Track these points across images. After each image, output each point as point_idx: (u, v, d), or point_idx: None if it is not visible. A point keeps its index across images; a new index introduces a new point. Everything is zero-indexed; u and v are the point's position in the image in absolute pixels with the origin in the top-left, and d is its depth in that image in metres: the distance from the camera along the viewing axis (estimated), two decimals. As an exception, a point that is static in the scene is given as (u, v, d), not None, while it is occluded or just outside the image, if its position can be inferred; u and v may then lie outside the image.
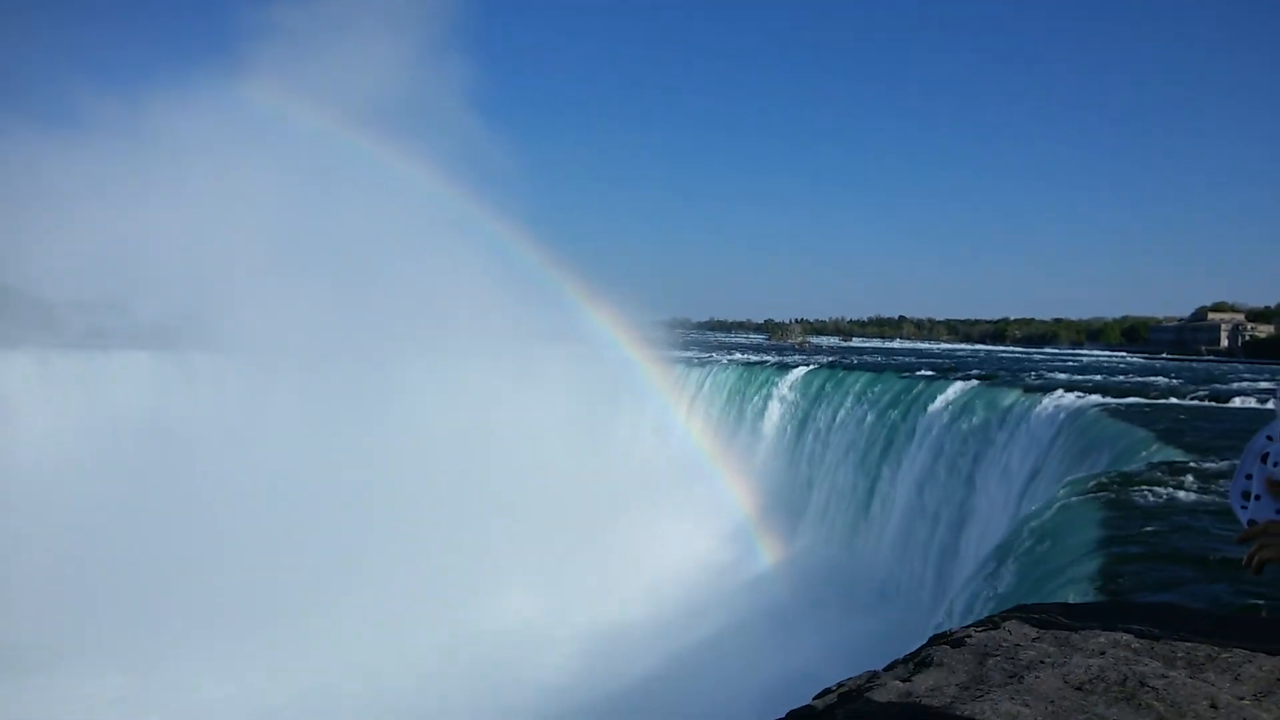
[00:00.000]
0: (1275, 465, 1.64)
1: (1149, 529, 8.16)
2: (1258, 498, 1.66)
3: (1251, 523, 1.67)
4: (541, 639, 20.99)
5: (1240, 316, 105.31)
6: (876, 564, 22.59)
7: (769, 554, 26.04)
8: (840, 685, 1.02)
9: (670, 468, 29.31)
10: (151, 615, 20.11)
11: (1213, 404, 21.68)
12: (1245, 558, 1.69)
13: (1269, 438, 1.75)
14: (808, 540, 25.88)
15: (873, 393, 27.19)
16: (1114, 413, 18.35)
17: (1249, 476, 1.75)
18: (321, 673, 18.65)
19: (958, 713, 0.85)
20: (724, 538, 27.07)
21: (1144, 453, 14.17)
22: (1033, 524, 10.62)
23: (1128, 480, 11.25)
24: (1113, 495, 10.31)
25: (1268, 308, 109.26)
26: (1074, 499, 10.62)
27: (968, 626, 1.23)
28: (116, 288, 33.00)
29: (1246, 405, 21.04)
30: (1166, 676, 0.95)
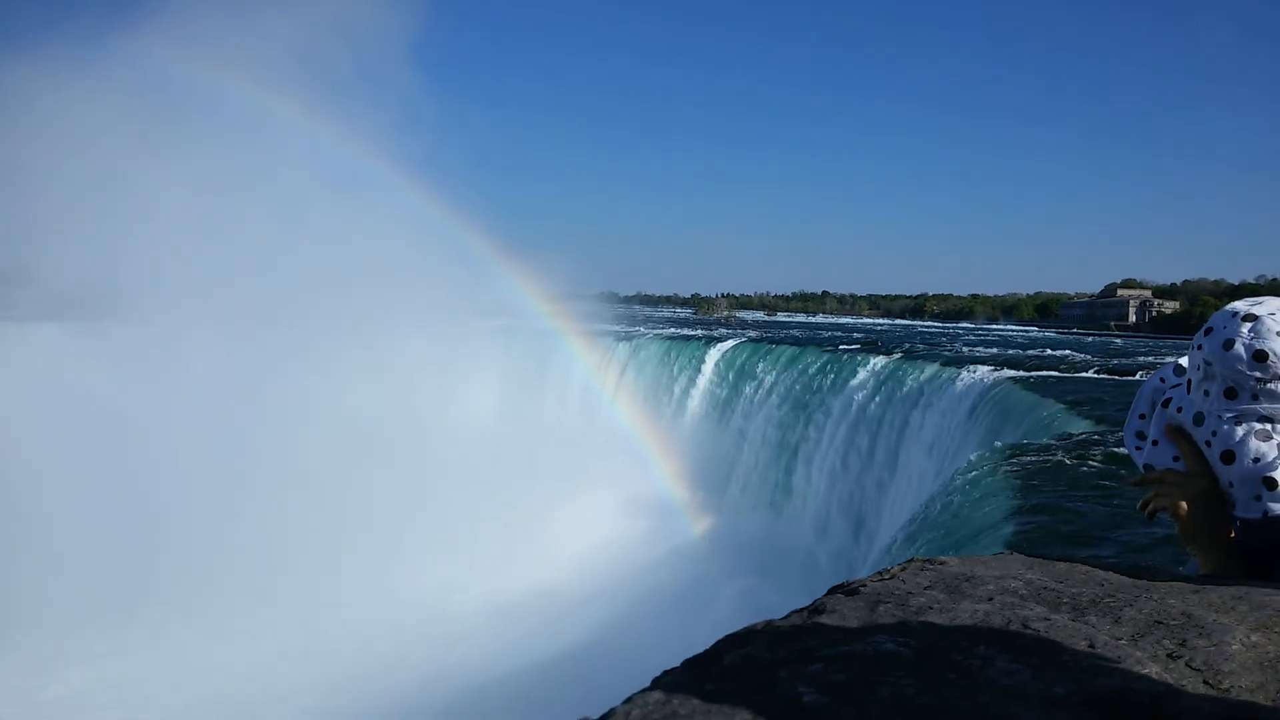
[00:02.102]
0: (1179, 410, 1.67)
1: (1058, 494, 8.43)
2: (1155, 443, 1.70)
3: (1148, 467, 1.71)
4: (466, 610, 20.91)
5: (1148, 293, 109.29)
6: (800, 534, 23.00)
7: (694, 525, 26.30)
8: (734, 633, 1.01)
9: (596, 440, 29.32)
10: (54, 598, 19.49)
11: (1119, 377, 22.49)
12: (1140, 503, 1.74)
13: (1163, 379, 1.79)
14: (732, 511, 26.20)
15: (797, 367, 27.55)
16: (1027, 385, 18.90)
17: (1143, 416, 1.79)
18: (237, 652, 18.31)
19: (839, 651, 0.84)
20: (650, 510, 27.24)
21: (1055, 423, 14.65)
22: (949, 493, 10.91)
23: (1040, 450, 11.61)
24: (1025, 464, 10.63)
25: (1174, 285, 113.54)
26: (988, 468, 10.92)
27: (864, 578, 1.24)
28: (21, 258, 31.67)
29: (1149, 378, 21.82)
30: (1049, 620, 0.96)
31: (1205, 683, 0.88)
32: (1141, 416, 1.79)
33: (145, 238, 29.99)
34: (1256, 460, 1.51)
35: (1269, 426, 1.51)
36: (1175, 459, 1.65)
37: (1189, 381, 1.65)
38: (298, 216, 32.55)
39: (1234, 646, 0.99)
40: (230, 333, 27.65)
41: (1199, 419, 1.60)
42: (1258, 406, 1.50)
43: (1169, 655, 0.95)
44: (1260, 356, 1.48)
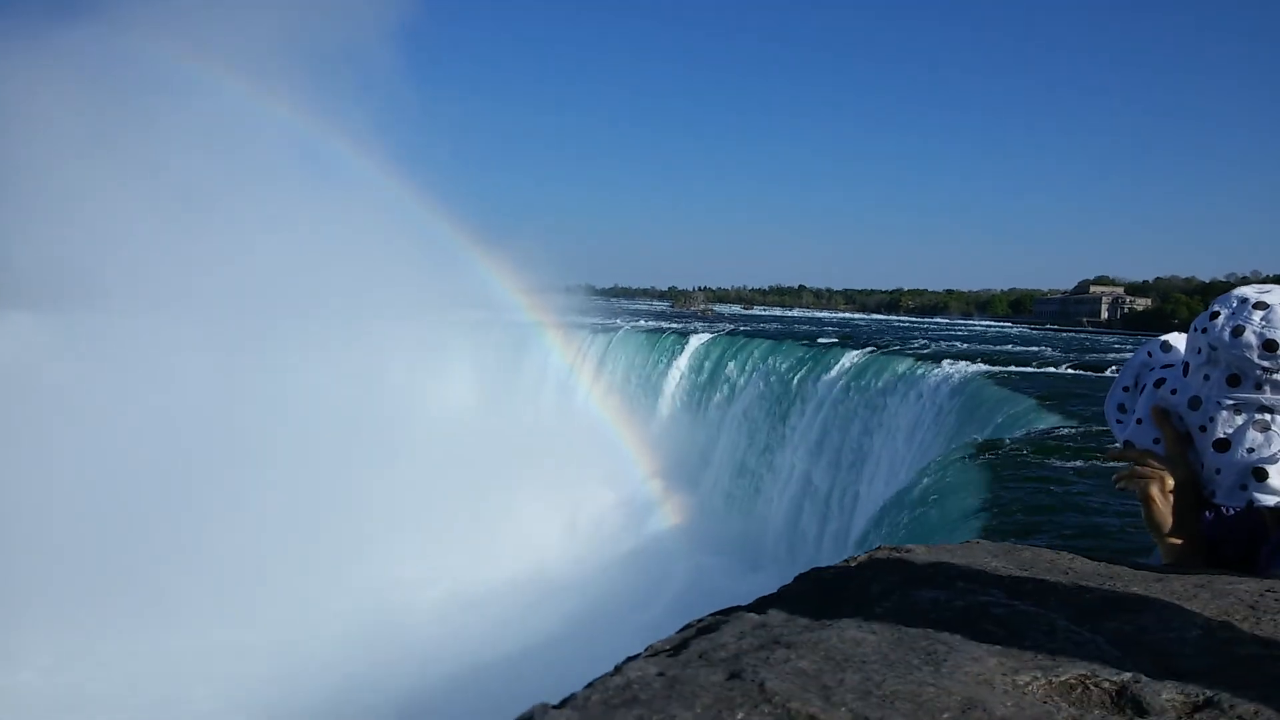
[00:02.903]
0: (1172, 392, 1.65)
1: (1028, 487, 8.51)
2: (1139, 421, 1.69)
3: (1128, 444, 1.70)
4: (437, 602, 20.86)
5: (1120, 290, 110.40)
6: (775, 525, 23.10)
7: (668, 517, 26.36)
8: (700, 620, 1.01)
9: (572, 433, 29.28)
10: (19, 591, 19.20)
11: (1091, 373, 22.74)
12: (1114, 476, 1.74)
13: (1150, 354, 1.79)
14: (707, 503, 26.27)
15: (773, 360, 27.64)
16: (1000, 380, 19.08)
17: (1126, 389, 1.78)
18: (210, 646, 18.13)
19: (805, 638, 0.84)
20: (624, 501, 27.27)
21: (1027, 418, 14.78)
22: (923, 485, 10.99)
23: (1012, 445, 11.72)
24: (997, 458, 10.73)
25: (1145, 282, 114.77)
26: (962, 462, 11.01)
27: (832, 565, 1.24)
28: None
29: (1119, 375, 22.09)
30: (1010, 606, 0.96)
31: (1166, 669, 0.88)
32: (1125, 389, 1.78)
33: (116, 228, 29.57)
34: (1251, 450, 1.51)
35: (1268, 417, 1.49)
36: (1156, 441, 1.64)
37: (1185, 364, 1.62)
38: (273, 208, 32.18)
39: (1194, 633, 1.00)
40: (204, 324, 27.31)
41: (1195, 403, 1.58)
42: (1260, 396, 1.49)
43: (1131, 641, 0.96)
44: (1271, 346, 1.47)
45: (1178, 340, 1.75)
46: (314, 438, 24.62)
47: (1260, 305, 1.50)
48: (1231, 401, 1.52)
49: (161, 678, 17.00)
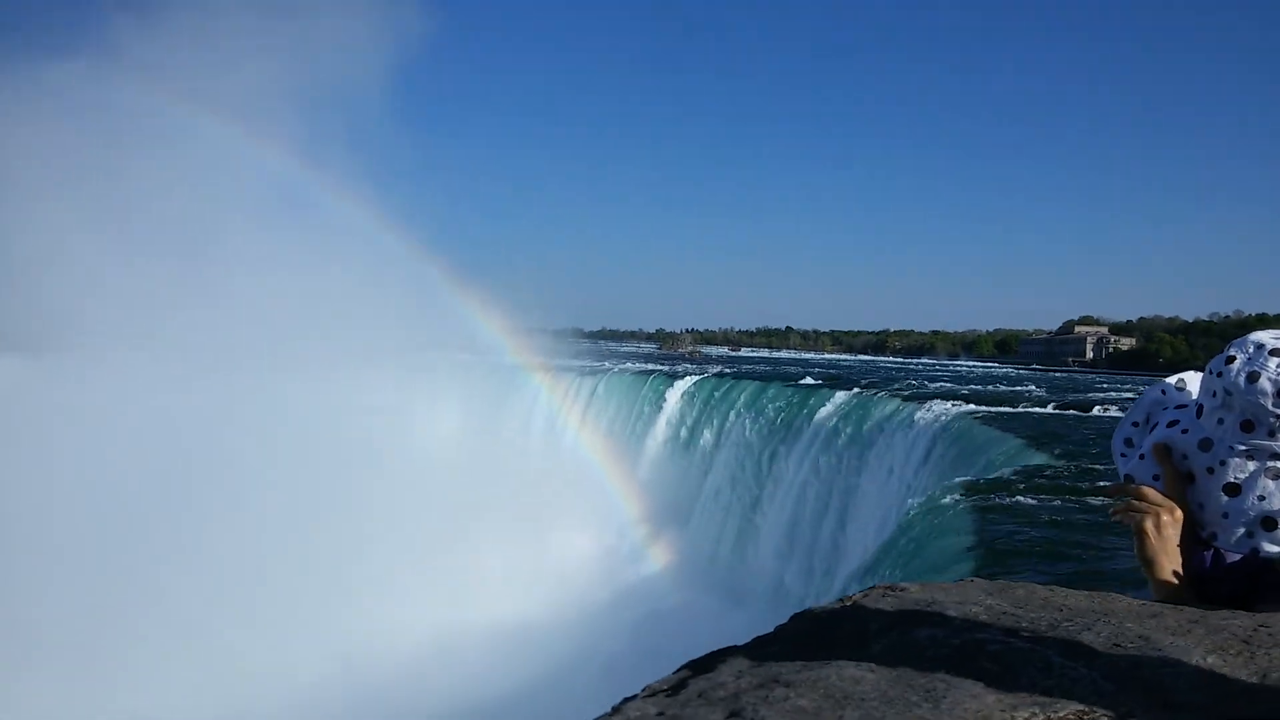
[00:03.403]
0: (1184, 431, 1.65)
1: (1016, 525, 8.51)
2: (1141, 456, 1.70)
3: (1128, 477, 1.71)
4: (430, 645, 20.60)
5: (1104, 330, 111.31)
6: (764, 566, 22.96)
7: (658, 559, 26.20)
8: (697, 660, 1.01)
9: (559, 475, 29.17)
10: None
11: (1077, 413, 22.86)
12: (1111, 509, 1.75)
13: (1163, 392, 1.80)
14: (696, 545, 26.12)
15: (760, 402, 27.67)
16: (987, 420, 19.13)
17: (1136, 425, 1.79)
18: (192, 687, 17.86)
19: (804, 676, 0.85)
20: (614, 544, 27.11)
21: (1015, 458, 14.81)
22: (912, 525, 10.97)
23: (1000, 484, 11.73)
24: (986, 498, 10.73)
25: (1129, 321, 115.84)
26: (951, 501, 11.01)
27: (827, 604, 1.24)
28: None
29: (1107, 414, 22.28)
30: (1005, 643, 0.97)
31: (1162, 703, 0.89)
32: (1135, 425, 1.79)
33: (101, 269, 29.51)
34: (1262, 498, 1.50)
35: (1279, 466, 1.50)
36: (1155, 478, 1.65)
37: (1200, 406, 1.62)
38: (258, 249, 32.23)
39: (1189, 668, 1.00)
40: (184, 367, 27.17)
41: (1206, 444, 1.58)
42: (1273, 444, 1.48)
43: (1126, 677, 0.96)
44: None
45: (1193, 380, 1.76)
46: (295, 480, 24.45)
47: (1276, 352, 1.49)
48: (1244, 447, 1.51)
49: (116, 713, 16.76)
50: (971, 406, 21.37)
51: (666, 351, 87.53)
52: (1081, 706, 0.87)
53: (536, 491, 27.61)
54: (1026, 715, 0.85)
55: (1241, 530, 1.53)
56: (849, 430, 22.46)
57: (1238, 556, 1.75)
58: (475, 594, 22.87)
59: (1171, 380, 1.79)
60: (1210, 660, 1.04)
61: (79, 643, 18.82)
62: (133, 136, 34.00)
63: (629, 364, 42.05)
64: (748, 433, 26.80)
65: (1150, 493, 1.66)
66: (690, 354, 76.19)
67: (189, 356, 27.43)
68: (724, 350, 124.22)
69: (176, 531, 22.09)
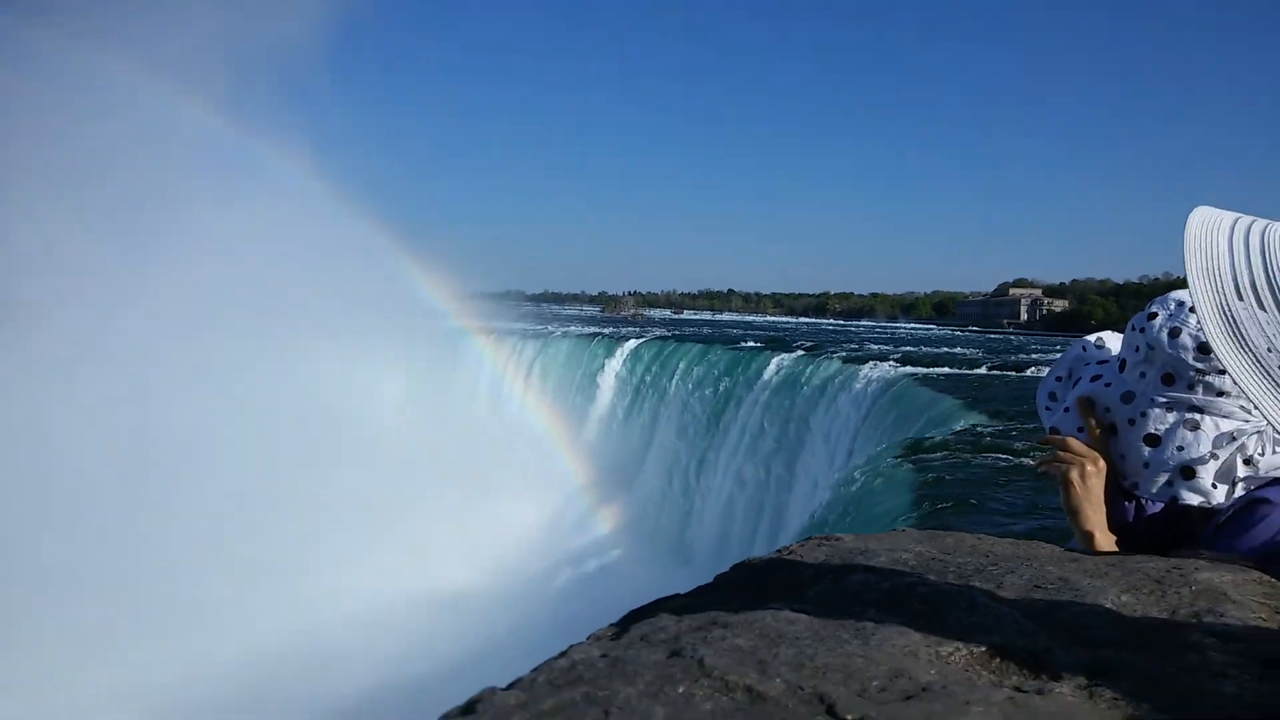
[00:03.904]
0: (1107, 385, 1.69)
1: (953, 482, 8.74)
2: (1066, 410, 1.76)
3: (1053, 430, 1.77)
4: (377, 613, 20.54)
5: (1038, 292, 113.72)
6: (710, 527, 23.25)
7: (605, 523, 26.37)
8: (640, 608, 1.05)
9: (506, 440, 29.13)
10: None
11: (1011, 373, 23.41)
12: (1037, 462, 1.82)
13: (1084, 349, 1.87)
14: (642, 508, 26.33)
15: (703, 364, 27.85)
16: (925, 381, 19.52)
17: (1059, 379, 1.86)
18: (143, 661, 17.62)
19: (741, 619, 0.88)
20: (560, 508, 27.21)
21: (951, 418, 15.15)
22: (853, 484, 11.19)
23: (937, 443, 11.99)
24: (924, 457, 10.97)
25: (1063, 284, 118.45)
26: (890, 460, 11.24)
27: (764, 555, 1.29)
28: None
29: (1039, 374, 22.82)
30: (933, 585, 1.02)
31: (1077, 639, 0.94)
32: (1059, 380, 1.85)
33: (28, 239, 28.44)
34: (1181, 448, 1.56)
35: (1198, 417, 1.54)
36: (1080, 430, 1.71)
37: (1123, 361, 1.67)
38: (192, 212, 31.34)
39: (1104, 607, 1.06)
40: (117, 336, 26.41)
41: (1128, 397, 1.64)
42: (1192, 397, 1.54)
43: (1045, 615, 1.02)
44: (1205, 349, 1.52)
45: (1111, 339, 1.83)
46: (234, 448, 24.07)
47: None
48: (1165, 400, 1.57)
49: (70, 695, 16.48)
50: (910, 368, 21.77)
51: (610, 314, 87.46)
52: (1002, 642, 0.92)
53: (481, 457, 27.55)
54: (950, 650, 0.90)
55: (1162, 479, 1.60)
56: (791, 392, 22.74)
57: (1158, 507, 1.83)
58: (421, 561, 22.83)
59: (1091, 338, 1.86)
60: (1124, 599, 1.10)
61: (20, 621, 18.43)
62: (59, 95, 32.74)
63: (572, 327, 41.95)
64: (691, 395, 26.99)
65: (1074, 444, 1.72)
66: (633, 317, 76.24)
67: (118, 324, 26.66)
68: (667, 313, 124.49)
69: (106, 502, 21.63)
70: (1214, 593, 1.14)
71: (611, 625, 1.05)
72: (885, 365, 21.72)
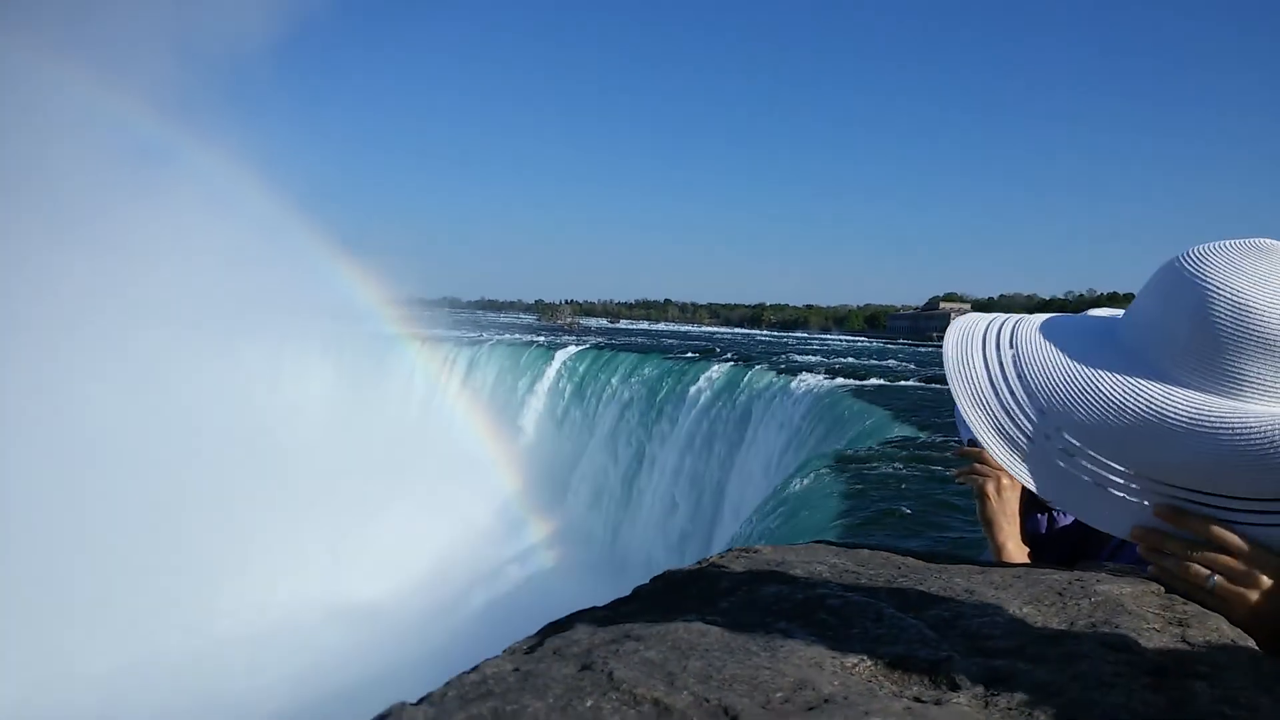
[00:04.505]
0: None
1: (881, 494, 8.88)
2: None
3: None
4: (300, 622, 20.16)
5: (967, 306, 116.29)
6: (642, 535, 23.30)
7: (536, 531, 26.24)
8: (557, 621, 1.06)
9: (438, 447, 28.82)
10: None
11: (938, 385, 23.86)
12: (956, 472, 1.86)
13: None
14: (575, 516, 26.28)
15: (639, 374, 27.91)
16: (856, 393, 19.81)
17: None
18: (71, 663, 17.06)
19: (653, 631, 0.90)
20: (492, 516, 27.00)
21: (882, 429, 15.40)
22: (783, 494, 11.31)
23: (866, 456, 12.18)
24: (854, 469, 11.14)
25: (991, 299, 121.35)
26: (820, 472, 11.38)
27: (683, 568, 1.30)
28: None
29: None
30: (844, 597, 1.04)
31: (977, 649, 0.97)
32: None
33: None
34: None
35: None
36: None
37: None
38: (119, 207, 30.47)
39: (1004, 617, 1.09)
40: (40, 337, 25.51)
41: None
42: None
43: (948, 626, 1.05)
44: None
45: None
46: (160, 452, 23.43)
47: None
48: None
49: (27, 699, 15.89)
50: (842, 379, 22.08)
51: (546, 323, 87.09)
52: (904, 652, 0.94)
53: (410, 464, 27.22)
54: (855, 660, 0.92)
55: None
56: (725, 402, 22.91)
57: (1069, 519, 1.90)
58: (342, 570, 22.48)
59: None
60: (1025, 610, 1.14)
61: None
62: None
63: (508, 335, 41.70)
64: (626, 404, 27.03)
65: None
66: (569, 325, 75.98)
67: (40, 323, 25.79)
68: (603, 322, 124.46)
69: (46, 509, 20.88)
70: (1112, 604, 1.18)
71: (528, 638, 1.05)
72: (818, 377, 22.01)
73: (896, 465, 10.88)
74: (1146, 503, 1.20)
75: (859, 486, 9.84)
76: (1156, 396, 1.12)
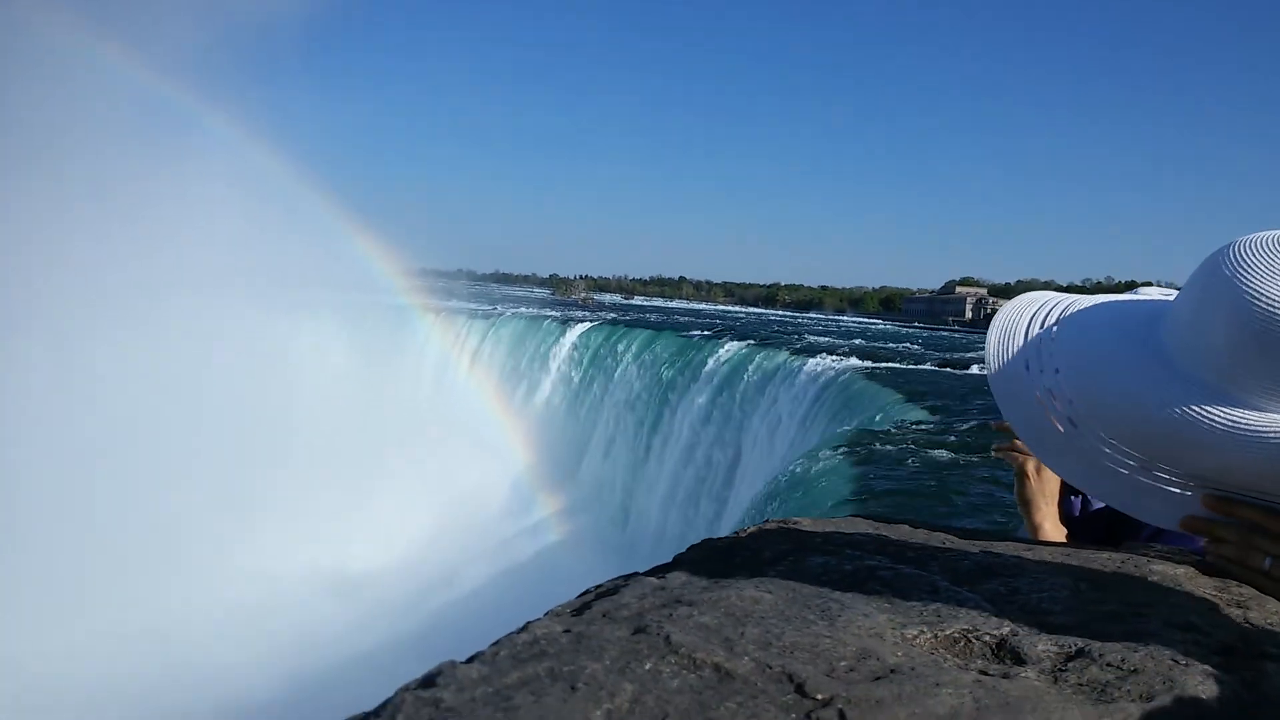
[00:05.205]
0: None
1: (898, 475, 8.84)
2: None
3: None
4: (316, 588, 20.33)
5: (984, 291, 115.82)
6: (653, 512, 23.33)
7: (546, 505, 26.33)
8: (599, 585, 1.03)
9: (451, 419, 28.90)
10: None
11: (955, 370, 23.79)
12: (995, 446, 1.83)
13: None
14: (585, 492, 26.34)
15: (652, 351, 27.88)
16: (870, 375, 19.74)
17: None
18: (75, 633, 17.18)
19: (705, 597, 0.87)
20: (502, 489, 27.09)
21: (897, 411, 15.35)
22: (797, 474, 11.29)
23: (882, 436, 12.15)
24: (869, 449, 11.10)
25: (1008, 284, 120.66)
26: (835, 452, 11.36)
27: (722, 536, 1.28)
28: None
29: (983, 371, 23.25)
30: (895, 569, 1.01)
31: (1040, 625, 0.94)
32: None
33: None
34: None
35: None
36: None
37: None
38: (133, 175, 30.44)
39: (1063, 594, 1.06)
40: (47, 311, 25.49)
41: None
42: None
43: (1005, 601, 1.02)
44: None
45: None
46: (181, 423, 23.56)
47: None
48: None
49: (28, 670, 16.01)
50: (857, 361, 22.00)
51: (560, 298, 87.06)
52: (967, 625, 0.91)
53: (425, 437, 27.32)
54: (916, 633, 0.89)
55: None
56: (738, 382, 22.87)
57: (1103, 504, 1.86)
58: (357, 540, 22.60)
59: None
60: (1083, 587, 1.11)
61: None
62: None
63: (522, 309, 41.70)
64: (639, 381, 27.02)
65: None
66: (583, 301, 75.96)
67: (51, 291, 25.83)
68: (617, 298, 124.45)
69: (54, 481, 21.00)
70: (1169, 584, 1.15)
71: (570, 602, 1.03)
72: (832, 358, 21.94)
73: (911, 446, 10.83)
74: (1190, 494, 1.17)
75: (873, 466, 9.81)
76: (1191, 404, 1.08)
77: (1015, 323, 1.30)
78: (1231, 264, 1.08)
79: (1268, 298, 1.04)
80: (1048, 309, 1.29)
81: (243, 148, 35.82)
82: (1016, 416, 1.23)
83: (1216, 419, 1.07)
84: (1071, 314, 1.26)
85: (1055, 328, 1.25)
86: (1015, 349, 1.27)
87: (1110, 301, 1.31)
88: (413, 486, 25.24)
